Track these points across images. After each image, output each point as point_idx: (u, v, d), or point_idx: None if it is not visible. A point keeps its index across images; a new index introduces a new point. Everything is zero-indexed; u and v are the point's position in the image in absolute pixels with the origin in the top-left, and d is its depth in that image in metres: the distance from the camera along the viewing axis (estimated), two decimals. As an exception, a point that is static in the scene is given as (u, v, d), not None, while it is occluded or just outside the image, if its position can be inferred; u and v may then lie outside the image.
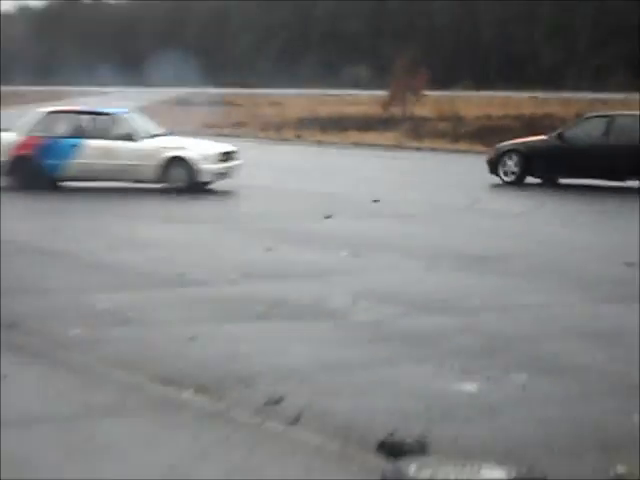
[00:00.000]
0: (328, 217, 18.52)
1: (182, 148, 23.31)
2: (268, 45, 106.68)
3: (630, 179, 24.15)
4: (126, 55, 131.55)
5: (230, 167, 23.64)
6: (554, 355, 9.21)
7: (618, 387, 8.23)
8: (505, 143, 27.13)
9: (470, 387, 8.05)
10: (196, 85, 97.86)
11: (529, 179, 25.42)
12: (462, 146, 37.73)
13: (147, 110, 53.76)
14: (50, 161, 22.97)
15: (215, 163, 23.04)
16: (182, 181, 22.77)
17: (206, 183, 23.17)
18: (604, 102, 56.47)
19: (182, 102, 79.12)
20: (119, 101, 67.46)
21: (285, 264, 13.79)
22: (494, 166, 26.02)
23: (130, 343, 9.24)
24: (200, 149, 23.59)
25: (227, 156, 23.84)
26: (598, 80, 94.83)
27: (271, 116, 57.87)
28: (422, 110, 54.30)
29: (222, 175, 23.48)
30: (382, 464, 5.70)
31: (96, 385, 7.65)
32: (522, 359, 8.94)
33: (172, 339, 9.44)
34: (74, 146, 23.07)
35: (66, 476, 5.83)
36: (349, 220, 18.50)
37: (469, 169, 29.19)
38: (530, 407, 7.62)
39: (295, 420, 6.97)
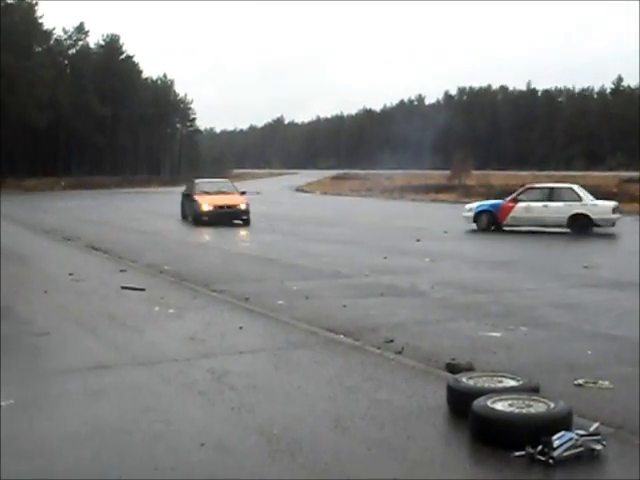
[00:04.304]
0: (418, 240, 18.48)
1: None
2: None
3: None
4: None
5: None
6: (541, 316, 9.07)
7: (577, 334, 8.06)
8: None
9: (496, 334, 8.01)
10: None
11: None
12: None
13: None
14: None
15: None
16: None
17: None
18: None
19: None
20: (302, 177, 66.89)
21: (395, 266, 13.80)
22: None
23: (310, 309, 9.34)
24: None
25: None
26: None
27: (386, 184, 55.60)
28: (470, 181, 53.66)
29: None
30: (448, 376, 5.73)
31: (292, 331, 7.75)
32: (524, 319, 8.82)
33: (333, 306, 9.52)
34: None
35: (273, 383, 5.90)
36: (430, 241, 18.41)
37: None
38: (529, 345, 7.54)
39: (400, 351, 7.02)
